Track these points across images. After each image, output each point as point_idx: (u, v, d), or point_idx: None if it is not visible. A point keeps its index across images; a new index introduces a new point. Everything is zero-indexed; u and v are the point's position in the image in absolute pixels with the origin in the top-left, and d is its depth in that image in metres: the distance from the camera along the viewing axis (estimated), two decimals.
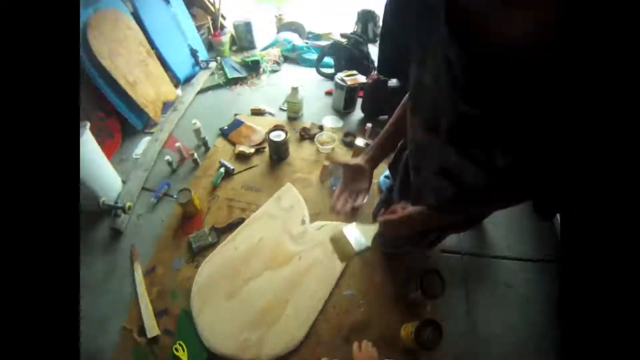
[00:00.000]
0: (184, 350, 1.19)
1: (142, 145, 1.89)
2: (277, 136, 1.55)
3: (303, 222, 1.42)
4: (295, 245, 1.36)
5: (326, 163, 1.40)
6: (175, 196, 1.54)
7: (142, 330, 1.24)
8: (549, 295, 1.21)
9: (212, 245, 1.44)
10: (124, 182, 1.72)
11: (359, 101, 1.84)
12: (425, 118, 0.52)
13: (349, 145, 1.67)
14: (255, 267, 1.32)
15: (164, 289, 1.35)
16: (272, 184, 1.61)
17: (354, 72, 1.78)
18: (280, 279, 1.27)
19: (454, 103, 0.41)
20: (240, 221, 1.50)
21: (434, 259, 1.29)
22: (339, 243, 0.84)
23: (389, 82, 1.59)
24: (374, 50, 2.10)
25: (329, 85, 1.99)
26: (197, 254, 1.43)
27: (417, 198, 0.70)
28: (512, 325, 1.15)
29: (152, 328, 1.26)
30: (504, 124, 0.37)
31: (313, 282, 1.24)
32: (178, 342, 1.21)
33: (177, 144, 1.79)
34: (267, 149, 1.71)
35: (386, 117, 1.67)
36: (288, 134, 1.62)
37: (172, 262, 1.42)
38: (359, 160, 0.85)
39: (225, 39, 2.41)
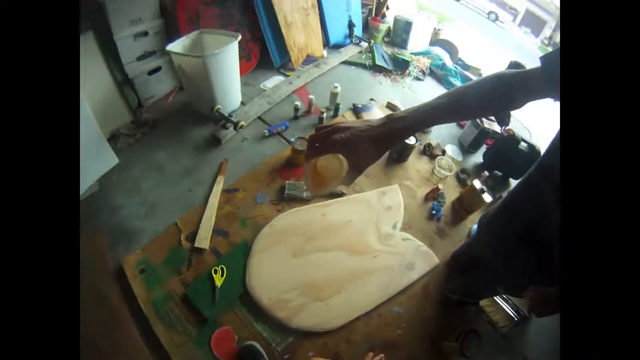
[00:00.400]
0: (222, 275, 1.09)
1: (273, 81, 1.89)
2: (409, 139, 1.53)
3: (394, 226, 1.36)
4: (378, 243, 1.30)
5: (440, 186, 1.42)
6: (292, 139, 1.48)
7: (192, 237, 1.17)
8: None
9: (303, 201, 1.36)
10: (242, 103, 1.70)
11: (483, 148, 1.84)
12: None
13: (461, 181, 1.63)
14: (332, 241, 1.26)
15: (235, 213, 1.27)
16: (382, 178, 1.55)
17: (492, 117, 1.77)
18: (348, 264, 1.22)
19: None
20: (340, 194, 1.42)
21: (479, 324, 1.21)
22: None
23: (520, 144, 1.56)
24: None
25: None
26: (285, 200, 1.34)
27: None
28: None
29: (204, 240, 1.17)
30: None
31: (375, 284, 1.19)
32: (221, 265, 1.11)
33: (311, 97, 1.75)
34: None
35: (500, 174, 1.69)
36: (418, 142, 1.60)
37: (257, 194, 1.34)
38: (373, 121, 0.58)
39: (383, 27, 2.43)
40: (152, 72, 1.58)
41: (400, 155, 1.63)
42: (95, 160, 1.23)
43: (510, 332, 1.23)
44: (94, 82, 1.32)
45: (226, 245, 1.18)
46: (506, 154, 1.62)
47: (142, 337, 0.95)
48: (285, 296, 1.09)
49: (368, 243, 1.29)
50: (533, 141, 1.67)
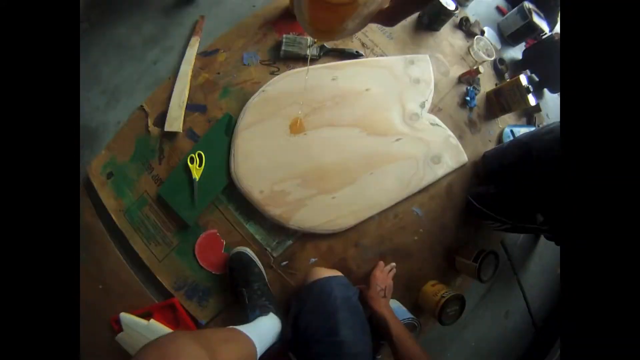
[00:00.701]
0: (199, 165, 0.85)
1: None
2: (447, 3, 1.20)
3: (423, 105, 1.09)
4: (402, 124, 1.05)
5: (481, 69, 1.17)
6: None
7: (161, 120, 0.91)
8: None
9: (307, 61, 1.00)
10: None
11: (522, 45, 1.57)
12: None
13: (499, 73, 1.40)
14: (343, 114, 0.99)
15: (215, 81, 0.96)
16: (409, 44, 1.21)
17: (542, 14, 1.49)
18: (363, 147, 0.98)
19: None
20: (356, 55, 1.06)
21: (494, 242, 1.15)
22: None
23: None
24: None
25: (502, 3, 1.68)
26: (282, 60, 0.99)
27: None
28: (487, 349, 1.13)
29: (175, 120, 0.89)
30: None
31: (395, 175, 0.99)
32: (198, 151, 0.86)
33: None
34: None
35: (537, 79, 1.47)
36: (459, 8, 1.29)
37: (244, 53, 0.98)
38: None
39: None
40: None
41: (433, 21, 1.27)
42: None
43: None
44: None
45: (204, 123, 0.90)
46: (550, 60, 1.38)
47: (122, 253, 0.86)
48: (281, 187, 0.89)
49: (390, 122, 1.03)
50: None
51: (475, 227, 1.08)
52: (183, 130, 0.89)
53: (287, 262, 0.88)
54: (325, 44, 1.02)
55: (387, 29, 1.19)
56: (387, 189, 0.97)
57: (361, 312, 0.71)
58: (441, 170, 1.02)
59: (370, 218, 0.95)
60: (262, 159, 0.87)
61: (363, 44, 1.09)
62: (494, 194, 1.01)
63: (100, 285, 0.83)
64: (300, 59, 0.98)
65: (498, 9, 1.63)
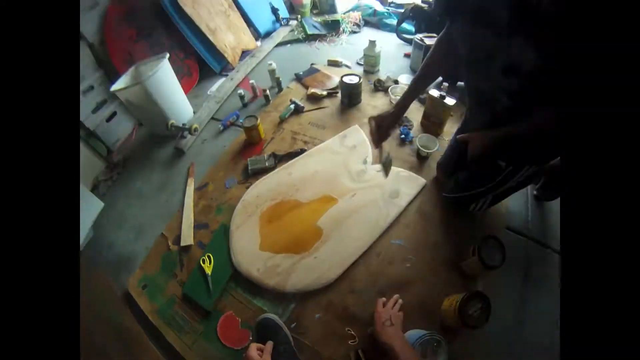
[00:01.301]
0: (210, 263, 1.10)
1: (218, 85, 1.92)
2: (351, 80, 1.52)
3: (365, 161, 1.31)
4: (352, 183, 1.25)
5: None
6: (241, 120, 1.51)
7: (177, 240, 1.21)
8: None
9: (268, 170, 1.36)
10: (195, 112, 1.75)
11: None
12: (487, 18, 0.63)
13: (423, 101, 1.52)
14: (304, 196, 1.23)
15: (210, 205, 1.30)
16: (339, 125, 1.52)
17: (434, 34, 1.71)
18: (326, 212, 1.16)
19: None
20: (301, 152, 1.41)
21: (497, 234, 1.05)
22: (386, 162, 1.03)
23: None
24: None
25: (407, 49, 1.94)
26: (252, 176, 1.35)
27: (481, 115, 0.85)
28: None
29: (187, 237, 1.20)
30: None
31: (362, 222, 1.11)
32: (207, 253, 1.12)
33: (251, 81, 1.79)
34: (339, 94, 1.67)
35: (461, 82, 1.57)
36: (361, 79, 1.56)
37: (225, 180, 1.36)
38: (389, 108, 0.96)
39: (307, 1, 2.40)
40: (109, 119, 1.66)
41: (350, 97, 1.59)
42: (85, 211, 1.31)
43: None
44: None
45: (208, 235, 1.20)
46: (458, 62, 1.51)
47: (158, 348, 0.97)
48: (272, 262, 1.06)
49: (342, 185, 1.24)
50: None
51: (466, 229, 1.07)
52: (194, 243, 1.17)
53: (295, 323, 0.94)
54: (276, 153, 1.38)
55: (320, 122, 1.51)
56: (359, 235, 1.07)
57: None
58: (403, 201, 1.14)
59: (355, 264, 1.03)
60: (253, 246, 1.10)
61: (305, 142, 1.44)
62: (459, 180, 1.06)
63: None
64: (265, 170, 1.34)
65: (406, 55, 1.90)
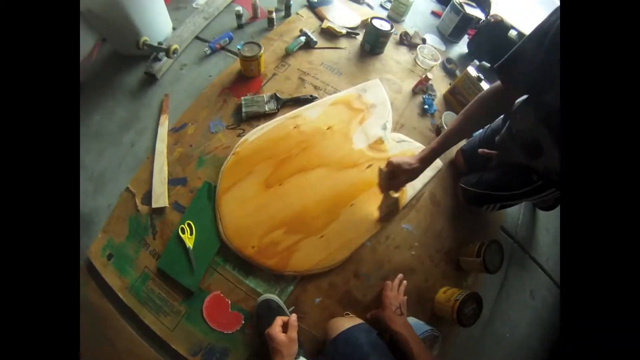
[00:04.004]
0: (191, 234, 0.89)
1: None
2: (382, 25, 1.30)
3: (384, 127, 1.12)
4: (369, 151, 1.07)
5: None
6: (239, 47, 1.15)
7: (148, 198, 0.96)
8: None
9: (268, 117, 1.07)
10: (174, 28, 1.32)
11: (465, 38, 1.62)
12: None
13: (449, 72, 1.42)
14: (311, 157, 1.01)
15: (189, 153, 1.02)
16: (357, 74, 1.28)
17: (474, 3, 1.56)
18: (337, 182, 1.00)
19: None
20: (311, 99, 1.13)
21: (493, 232, 1.12)
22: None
23: (510, 32, 1.37)
24: None
25: (436, 7, 1.75)
26: (245, 121, 1.06)
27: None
28: (524, 334, 1.08)
29: (160, 197, 0.94)
30: None
31: (374, 200, 0.97)
32: (187, 221, 0.90)
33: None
34: (359, 37, 1.41)
35: (489, 65, 1.48)
36: (397, 25, 1.39)
37: (210, 123, 1.06)
38: (411, 159, 0.85)
39: None
40: None
41: (374, 46, 1.34)
42: None
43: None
44: None
45: (187, 194, 0.95)
46: (494, 42, 1.40)
47: (134, 329, 0.85)
48: (270, 239, 0.89)
49: (358, 151, 1.05)
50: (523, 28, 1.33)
51: (471, 222, 1.06)
52: (169, 205, 0.93)
53: (293, 307, 0.86)
54: (278, 95, 1.10)
55: (335, 66, 1.27)
56: (371, 215, 0.96)
57: (387, 350, 0.69)
58: (419, 183, 1.02)
59: (363, 246, 0.95)
60: (246, 217, 0.89)
61: (315, 87, 1.17)
62: (484, 177, 1.01)
63: None
64: (262, 116, 1.05)
65: (434, 13, 1.71)
